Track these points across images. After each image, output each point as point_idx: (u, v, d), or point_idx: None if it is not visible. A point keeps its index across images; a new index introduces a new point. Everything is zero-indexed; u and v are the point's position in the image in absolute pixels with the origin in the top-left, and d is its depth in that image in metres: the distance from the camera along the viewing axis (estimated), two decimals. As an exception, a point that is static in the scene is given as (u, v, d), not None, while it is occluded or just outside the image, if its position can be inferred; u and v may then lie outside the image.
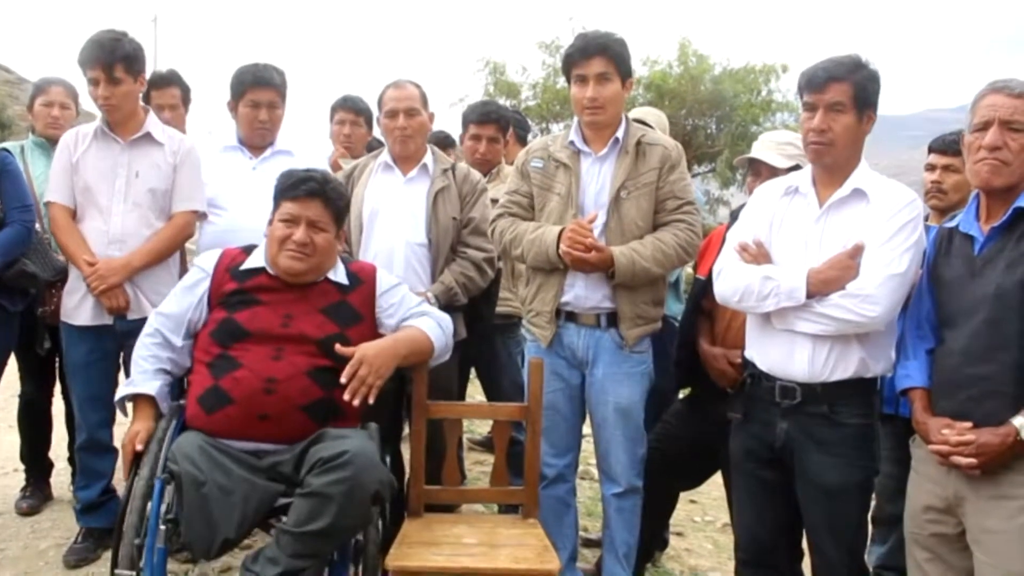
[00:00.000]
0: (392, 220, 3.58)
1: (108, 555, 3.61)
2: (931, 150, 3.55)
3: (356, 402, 2.74)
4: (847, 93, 2.64)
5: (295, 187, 2.95)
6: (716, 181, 21.46)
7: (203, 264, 3.05)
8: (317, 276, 2.98)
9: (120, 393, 2.94)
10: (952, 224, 2.62)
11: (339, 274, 3.03)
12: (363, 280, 3.06)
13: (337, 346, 2.80)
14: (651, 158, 3.25)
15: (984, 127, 2.45)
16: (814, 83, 2.68)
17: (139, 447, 2.74)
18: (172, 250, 3.67)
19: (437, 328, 3.05)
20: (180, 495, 2.55)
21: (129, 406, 2.92)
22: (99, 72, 3.45)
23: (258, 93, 3.80)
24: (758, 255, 2.81)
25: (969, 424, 2.40)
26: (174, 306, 3.00)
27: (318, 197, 2.95)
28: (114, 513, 3.72)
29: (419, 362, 3.05)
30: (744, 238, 2.86)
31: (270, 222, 3.03)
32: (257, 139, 3.88)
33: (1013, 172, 2.42)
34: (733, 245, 2.88)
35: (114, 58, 3.44)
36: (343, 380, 2.74)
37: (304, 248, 2.90)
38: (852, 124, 2.66)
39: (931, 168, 3.51)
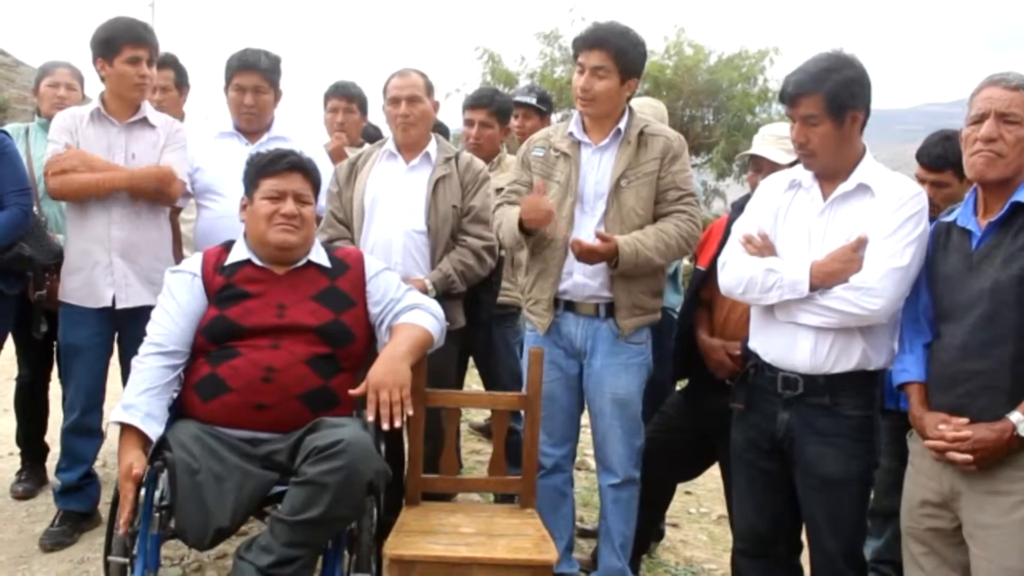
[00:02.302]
0: (392, 208, 3.57)
1: (85, 538, 3.65)
2: (918, 160, 3.46)
3: (397, 423, 2.69)
4: (818, 105, 2.64)
5: (275, 163, 2.96)
6: (712, 172, 21.36)
7: (189, 267, 2.98)
8: (305, 250, 2.97)
9: (117, 418, 2.68)
10: (950, 219, 2.61)
11: (320, 255, 3.02)
12: (350, 264, 3.04)
13: (351, 391, 2.75)
14: (653, 148, 3.26)
15: (980, 119, 2.45)
16: (786, 97, 2.71)
17: (138, 471, 2.55)
18: (148, 178, 3.58)
19: (431, 318, 3.02)
20: (174, 482, 2.53)
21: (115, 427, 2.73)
22: (147, 53, 3.56)
23: (243, 77, 3.81)
24: (762, 247, 2.81)
25: (965, 420, 2.40)
26: (176, 318, 2.85)
27: (298, 170, 2.97)
28: (93, 498, 3.74)
29: (420, 354, 3.01)
30: (749, 230, 2.87)
31: (243, 207, 3.02)
32: (244, 124, 3.88)
33: (1008, 164, 2.41)
34: (738, 237, 2.89)
35: (157, 45, 3.63)
36: (370, 419, 2.69)
37: (293, 220, 2.90)
38: (830, 132, 2.66)
39: (920, 180, 3.40)
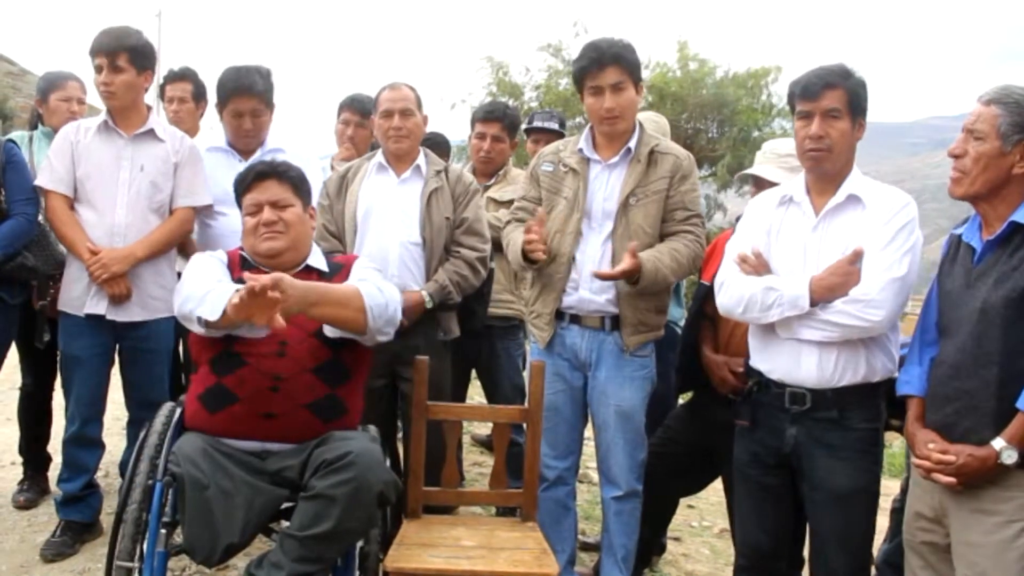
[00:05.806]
0: (386, 220, 3.58)
1: (86, 548, 3.65)
2: None
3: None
4: (842, 99, 2.66)
5: (244, 179, 3.00)
6: (715, 184, 21.34)
7: (215, 254, 3.02)
8: (298, 255, 2.95)
9: (217, 311, 2.57)
10: (959, 232, 2.60)
11: (319, 260, 3.01)
12: (343, 264, 3.03)
13: (246, 274, 2.58)
14: (662, 166, 3.27)
15: None
16: (810, 90, 2.69)
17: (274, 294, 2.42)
18: (172, 243, 3.68)
19: (374, 289, 2.82)
20: (182, 498, 2.51)
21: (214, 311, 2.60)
22: (103, 59, 3.52)
23: (240, 102, 3.78)
24: (758, 265, 2.81)
25: (953, 447, 2.39)
26: (210, 275, 2.80)
27: (269, 177, 2.97)
28: (94, 508, 3.74)
29: (342, 315, 2.73)
30: (743, 249, 2.87)
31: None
32: (243, 145, 3.90)
33: (973, 182, 2.41)
34: (732, 256, 2.89)
35: (120, 47, 3.52)
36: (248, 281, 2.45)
37: (274, 226, 2.89)
38: (847, 130, 2.68)
39: None
